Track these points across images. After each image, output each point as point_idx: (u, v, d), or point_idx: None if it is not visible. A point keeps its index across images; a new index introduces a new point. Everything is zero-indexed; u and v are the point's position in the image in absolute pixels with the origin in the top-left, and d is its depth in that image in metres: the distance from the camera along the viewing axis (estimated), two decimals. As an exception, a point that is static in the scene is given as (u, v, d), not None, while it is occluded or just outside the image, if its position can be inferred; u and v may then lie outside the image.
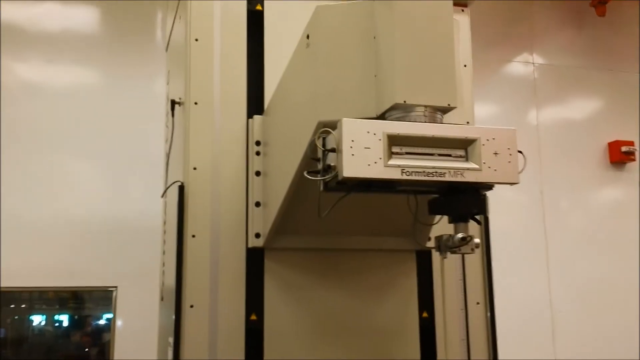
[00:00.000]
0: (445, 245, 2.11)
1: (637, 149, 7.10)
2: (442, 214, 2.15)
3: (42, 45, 5.92)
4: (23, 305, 5.99)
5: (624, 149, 7.02)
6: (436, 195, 2.04)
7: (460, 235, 2.01)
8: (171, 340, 2.59)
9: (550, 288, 6.64)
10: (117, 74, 6.05)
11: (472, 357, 2.75)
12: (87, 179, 5.86)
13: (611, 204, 7.13)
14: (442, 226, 2.36)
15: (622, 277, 6.83)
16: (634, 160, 7.10)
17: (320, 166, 1.92)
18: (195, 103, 2.70)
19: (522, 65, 7.20)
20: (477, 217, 2.12)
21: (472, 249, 2.11)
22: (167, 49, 3.89)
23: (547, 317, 6.56)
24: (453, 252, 2.12)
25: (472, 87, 2.97)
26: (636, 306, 6.80)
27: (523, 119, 6.93)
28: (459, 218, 2.03)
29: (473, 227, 2.76)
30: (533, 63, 7.19)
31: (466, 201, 1.97)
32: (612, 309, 6.71)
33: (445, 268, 2.79)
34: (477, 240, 2.11)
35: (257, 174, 2.67)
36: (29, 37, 5.88)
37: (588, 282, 6.70)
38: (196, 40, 2.75)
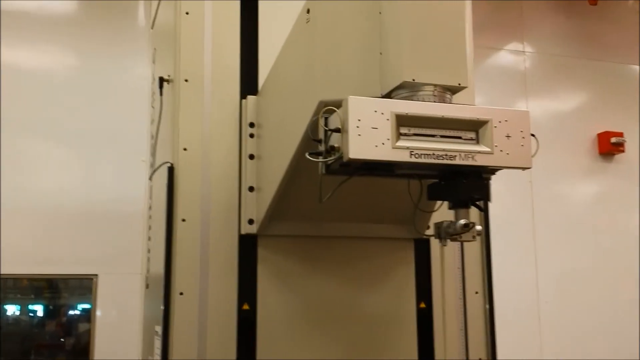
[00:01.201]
0: (446, 232, 2.01)
1: (626, 140, 7.10)
2: (443, 199, 2.05)
3: (14, 23, 5.68)
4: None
5: (613, 140, 7.00)
6: (435, 180, 1.94)
7: (462, 221, 1.91)
8: (159, 329, 2.47)
9: (537, 278, 6.63)
10: (94, 54, 5.85)
11: (470, 348, 2.68)
12: (64, 163, 5.68)
13: (599, 195, 7.13)
14: (438, 214, 2.27)
15: (608, 267, 6.85)
16: (622, 151, 7.10)
17: (322, 147, 1.81)
18: (186, 80, 2.58)
19: (512, 54, 7.14)
20: (479, 203, 2.03)
21: (474, 237, 2.02)
22: (152, 26, 3.74)
23: (534, 306, 6.56)
24: (453, 240, 2.03)
25: (473, 70, 2.87)
26: (622, 297, 6.83)
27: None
28: (460, 204, 1.93)
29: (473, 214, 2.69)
30: (524, 52, 7.13)
31: (468, 186, 1.86)
32: (598, 300, 6.74)
33: (443, 257, 2.70)
34: (479, 227, 2.02)
35: (251, 157, 2.55)
36: (-1, 15, 5.66)
37: (575, 273, 6.71)
38: (187, 13, 2.62)
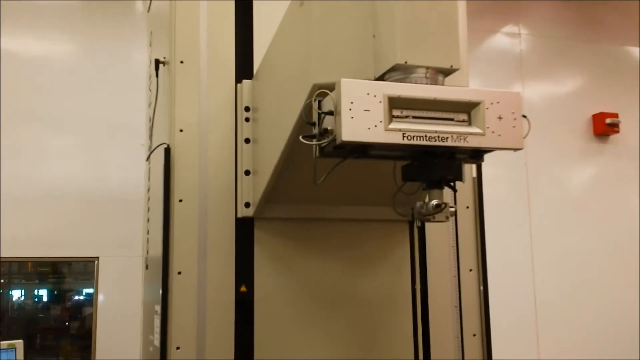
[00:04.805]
0: (419, 213, 2.01)
1: (621, 121, 7.12)
2: (416, 180, 2.05)
3: (13, 10, 5.66)
4: (1, 280, 5.87)
5: (608, 120, 7.03)
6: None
7: (434, 202, 1.91)
8: (158, 308, 2.51)
9: (532, 258, 6.70)
10: (93, 41, 5.85)
11: (464, 324, 2.73)
12: (65, 149, 5.72)
13: (594, 176, 7.17)
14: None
15: (604, 246, 6.91)
16: (617, 132, 7.13)
17: (315, 130, 1.83)
18: (181, 62, 2.59)
19: (508, 36, 7.13)
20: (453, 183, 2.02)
21: (447, 217, 2.04)
22: (149, 10, 3.74)
23: (529, 285, 6.63)
24: (426, 220, 2.04)
25: (467, 53, 2.89)
26: (619, 276, 6.90)
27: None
28: (433, 184, 1.94)
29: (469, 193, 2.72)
30: (519, 34, 7.12)
31: (441, 166, 1.88)
32: (593, 280, 6.81)
33: (437, 236, 2.74)
34: (452, 208, 2.04)
35: (247, 141, 2.57)
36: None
37: (570, 253, 6.77)
38: None
